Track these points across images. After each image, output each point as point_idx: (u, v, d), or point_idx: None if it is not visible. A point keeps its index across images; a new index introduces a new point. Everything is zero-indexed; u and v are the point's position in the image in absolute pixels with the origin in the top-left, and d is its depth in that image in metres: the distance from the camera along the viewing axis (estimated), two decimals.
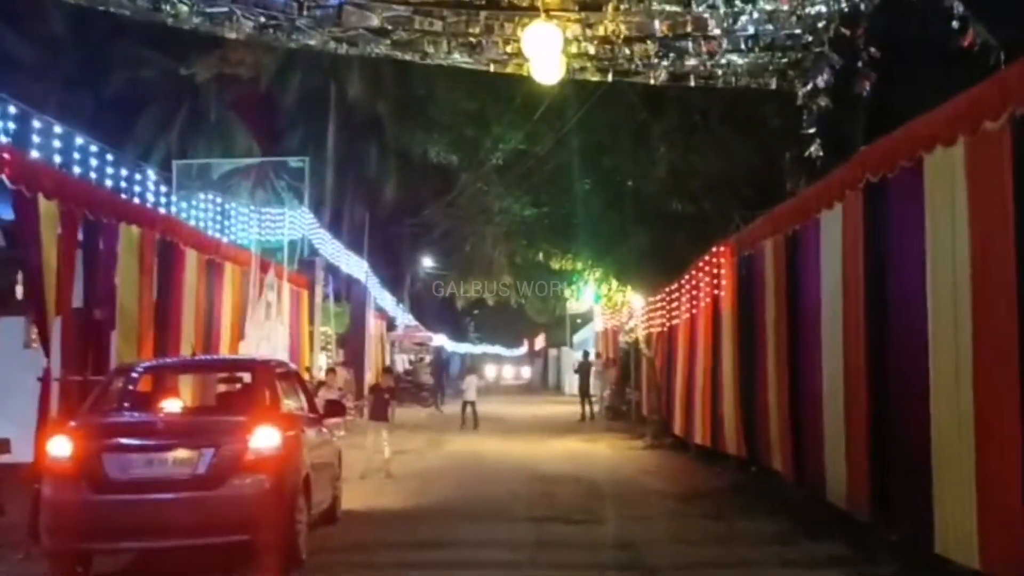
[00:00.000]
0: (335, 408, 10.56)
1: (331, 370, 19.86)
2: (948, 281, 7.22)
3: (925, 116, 7.63)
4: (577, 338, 45.69)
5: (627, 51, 10.72)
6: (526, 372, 37.96)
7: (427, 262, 46.96)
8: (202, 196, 19.01)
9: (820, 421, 10.22)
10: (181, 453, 7.90)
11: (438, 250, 42.84)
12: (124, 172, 12.11)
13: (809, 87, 10.83)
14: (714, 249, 15.22)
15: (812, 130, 11.21)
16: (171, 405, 8.65)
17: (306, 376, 21.40)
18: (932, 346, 7.44)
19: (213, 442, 7.93)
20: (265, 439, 8.05)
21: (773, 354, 12.08)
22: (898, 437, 8.23)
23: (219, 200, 18.47)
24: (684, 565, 8.72)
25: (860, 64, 10.04)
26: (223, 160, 33.45)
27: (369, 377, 31.84)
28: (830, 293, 9.91)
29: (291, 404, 9.35)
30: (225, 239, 18.57)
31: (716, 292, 15.29)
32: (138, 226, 11.75)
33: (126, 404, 8.82)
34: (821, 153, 11.33)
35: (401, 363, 41.43)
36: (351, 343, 31.36)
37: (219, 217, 21.27)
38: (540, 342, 60.31)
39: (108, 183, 11.92)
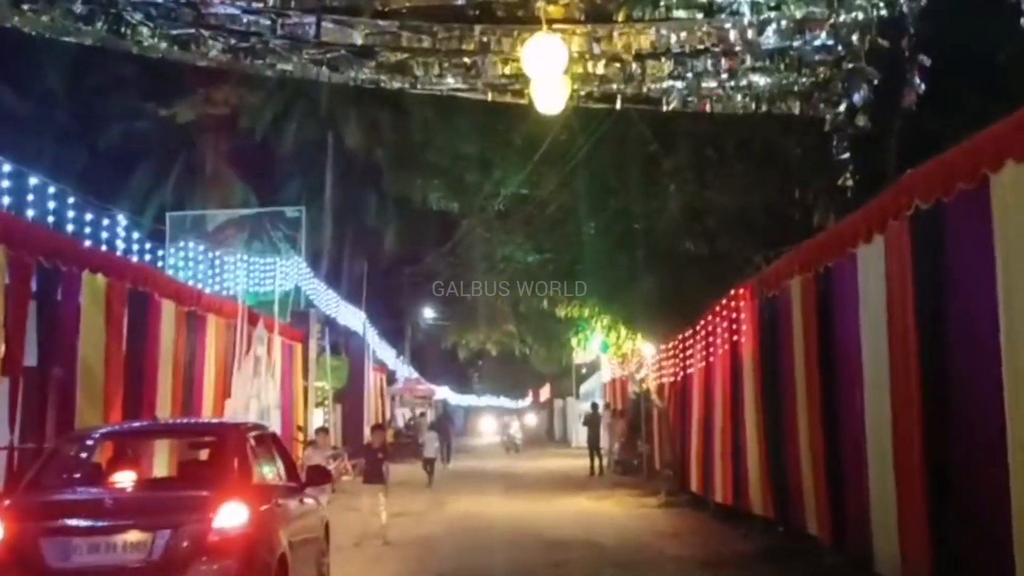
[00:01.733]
0: (319, 475, 9.39)
1: (322, 430, 18.58)
2: None
3: (990, 129, 6.59)
4: (583, 388, 44.47)
5: (638, 70, 9.69)
6: (531, 422, 37.32)
7: (428, 312, 45.89)
8: (181, 245, 17.85)
9: (864, 480, 9.05)
10: (133, 536, 6.74)
11: (439, 300, 41.85)
12: (89, 216, 11.07)
13: (843, 107, 9.77)
14: (732, 292, 14.16)
15: (846, 155, 10.14)
16: (124, 478, 7.53)
17: (299, 436, 20.24)
18: (1009, 389, 6.31)
19: (170, 522, 6.79)
20: (232, 517, 6.90)
21: (804, 404, 10.95)
22: (967, 497, 7.07)
23: (202, 250, 17.35)
24: None
25: (908, 75, 8.97)
26: (218, 211, 32.83)
27: (367, 433, 30.67)
28: (872, 334, 8.81)
29: (266, 473, 8.21)
30: (209, 290, 17.52)
31: (735, 338, 14.20)
32: (104, 275, 10.68)
33: (73, 478, 7.68)
34: (852, 182, 10.24)
35: (402, 417, 40.20)
36: (349, 398, 30.23)
37: (208, 269, 20.30)
38: (545, 393, 58.93)
39: (70, 228, 10.89)
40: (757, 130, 13.50)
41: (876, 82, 9.49)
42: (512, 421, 39.72)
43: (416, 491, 23.35)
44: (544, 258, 25.58)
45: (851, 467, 9.51)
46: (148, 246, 12.56)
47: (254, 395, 17.36)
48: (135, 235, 12.04)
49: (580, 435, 37.65)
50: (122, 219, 11.73)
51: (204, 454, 8.54)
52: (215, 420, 10.12)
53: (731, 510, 14.82)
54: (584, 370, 42.26)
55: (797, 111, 10.66)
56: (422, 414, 40.80)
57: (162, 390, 12.71)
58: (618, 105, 10.91)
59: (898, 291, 8.19)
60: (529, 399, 67.03)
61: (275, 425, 17.83)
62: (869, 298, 8.89)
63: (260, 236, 29.85)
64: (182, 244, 19.31)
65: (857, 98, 9.56)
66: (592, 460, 27.95)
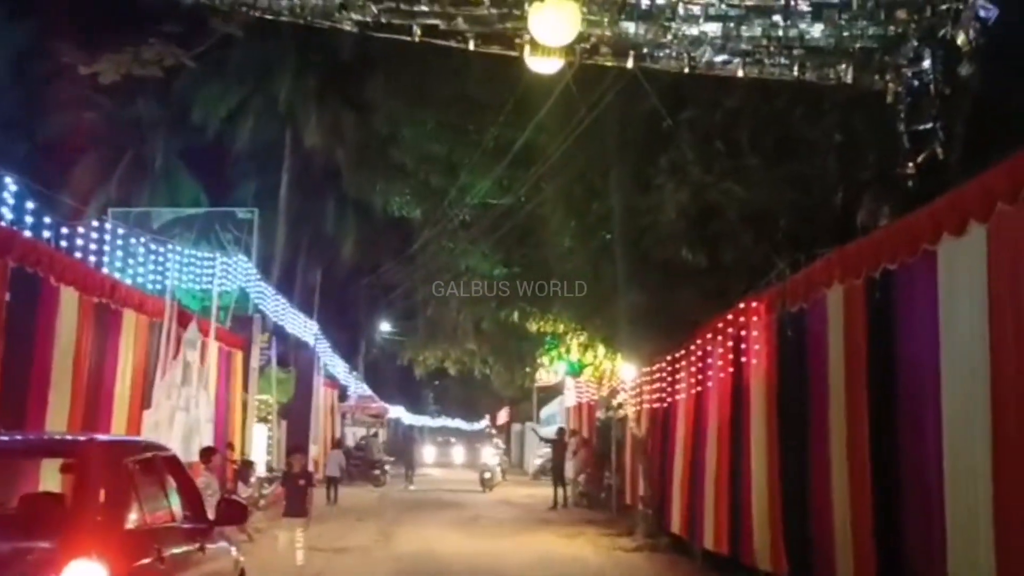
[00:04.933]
0: (233, 512, 7.18)
1: (208, 450, 13.51)
2: None
3: None
4: (544, 413, 42.33)
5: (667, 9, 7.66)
6: (488, 454, 32.57)
7: (384, 327, 43.55)
8: (116, 236, 14.92)
9: (938, 537, 7.05)
10: None
11: (396, 314, 39.62)
12: None
13: (928, 64, 7.74)
14: (741, 305, 12.15)
15: (929, 125, 8.11)
16: None
17: (231, 455, 17.90)
18: None
19: None
20: None
21: (842, 439, 8.93)
22: None
23: (124, 237, 14.70)
24: None
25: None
26: (164, 209, 31.03)
27: (315, 452, 28.34)
28: (960, 352, 6.83)
29: (152, 510, 5.98)
30: (137, 284, 15.13)
31: (742, 359, 12.21)
32: None
33: None
34: (929, 157, 8.23)
35: (352, 437, 37.78)
36: (295, 414, 27.90)
37: (140, 263, 17.85)
38: (503, 416, 56.61)
39: None
40: (778, 118, 11.64)
41: (991, 21, 7.51)
42: (484, 447, 35.50)
43: (362, 519, 21.09)
44: (512, 272, 23.59)
45: (915, 519, 7.53)
46: (47, 220, 10.17)
47: (181, 407, 15.06)
48: (28, 205, 9.67)
49: (538, 462, 35.47)
50: (10, 183, 9.33)
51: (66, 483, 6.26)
52: (78, 436, 7.69)
53: (723, 559, 12.80)
54: (541, 395, 40.18)
55: (849, 78, 8.68)
56: (374, 434, 38.41)
57: (56, 397, 10.42)
58: (630, 64, 8.84)
59: (1007, 297, 6.22)
60: (485, 422, 64.63)
61: (206, 441, 15.50)
62: (957, 307, 6.91)
63: (208, 237, 28.17)
64: (117, 236, 16.59)
65: (969, 35, 7.47)
66: (556, 490, 25.71)
